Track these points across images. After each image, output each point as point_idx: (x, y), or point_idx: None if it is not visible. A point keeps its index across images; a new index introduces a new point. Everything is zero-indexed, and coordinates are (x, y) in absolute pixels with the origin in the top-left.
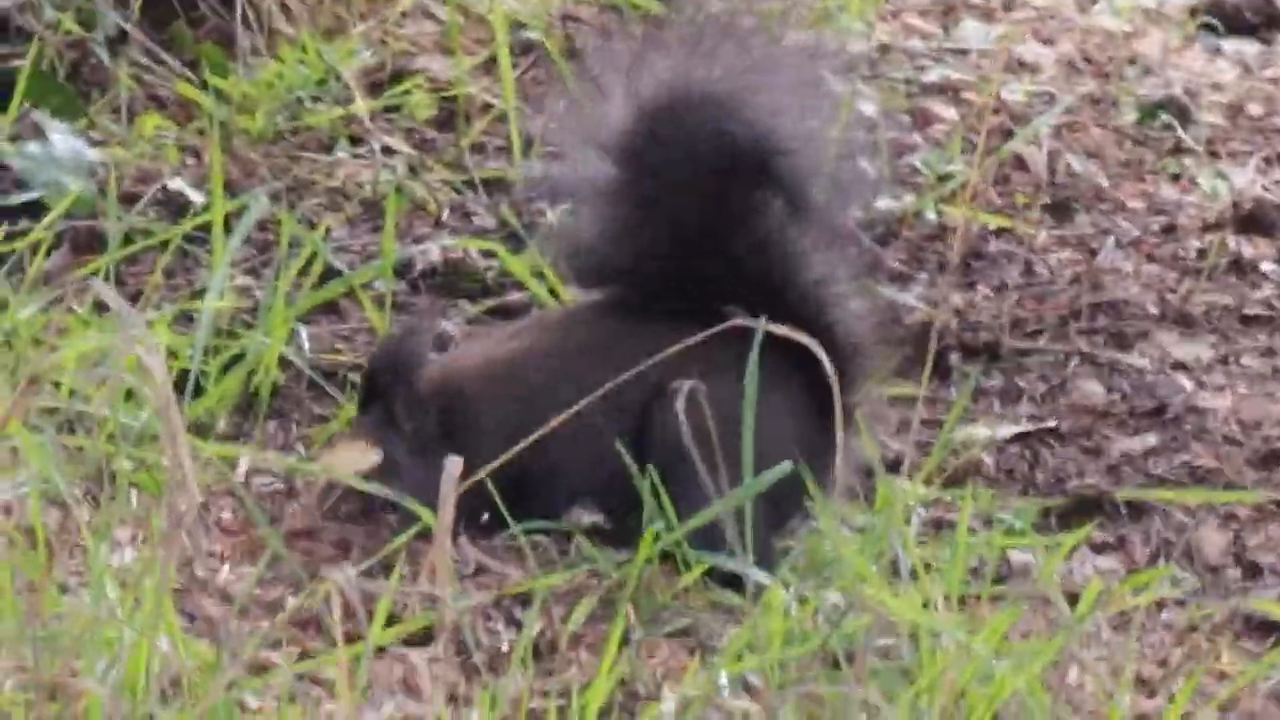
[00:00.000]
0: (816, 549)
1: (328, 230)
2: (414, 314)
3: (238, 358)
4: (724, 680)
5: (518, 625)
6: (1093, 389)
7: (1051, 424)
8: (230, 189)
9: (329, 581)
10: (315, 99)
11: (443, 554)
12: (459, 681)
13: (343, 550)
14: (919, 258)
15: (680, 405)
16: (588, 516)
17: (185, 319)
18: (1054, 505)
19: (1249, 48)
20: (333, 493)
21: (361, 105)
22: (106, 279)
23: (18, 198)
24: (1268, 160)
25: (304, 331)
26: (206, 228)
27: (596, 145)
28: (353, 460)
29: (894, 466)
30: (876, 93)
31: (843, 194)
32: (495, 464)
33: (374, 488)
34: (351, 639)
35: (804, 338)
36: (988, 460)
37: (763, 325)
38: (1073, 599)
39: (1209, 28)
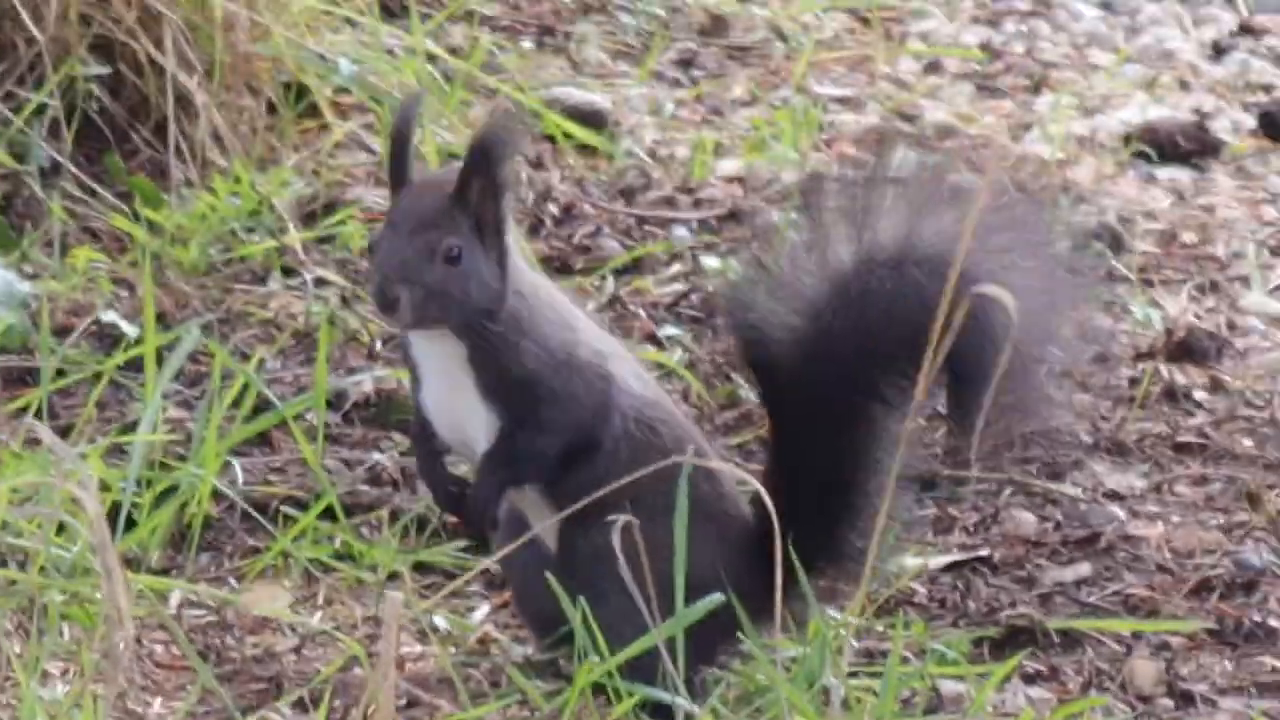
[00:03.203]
0: (749, 679)
1: (261, 362)
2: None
3: (170, 490)
4: None
5: None
6: (1025, 518)
7: (984, 553)
8: (163, 321)
9: (261, 717)
10: (249, 229)
11: (385, 688)
12: None
13: (274, 683)
14: None
15: (615, 537)
16: (519, 648)
17: (118, 451)
18: (986, 635)
19: (1182, 175)
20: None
21: (295, 236)
22: (39, 412)
23: None
24: (1200, 288)
25: (237, 464)
26: (139, 360)
27: (819, 275)
28: (270, 598)
29: (826, 597)
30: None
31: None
32: None
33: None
34: None
35: (751, 480)
36: (920, 589)
37: (690, 460)
38: None
39: (1142, 155)
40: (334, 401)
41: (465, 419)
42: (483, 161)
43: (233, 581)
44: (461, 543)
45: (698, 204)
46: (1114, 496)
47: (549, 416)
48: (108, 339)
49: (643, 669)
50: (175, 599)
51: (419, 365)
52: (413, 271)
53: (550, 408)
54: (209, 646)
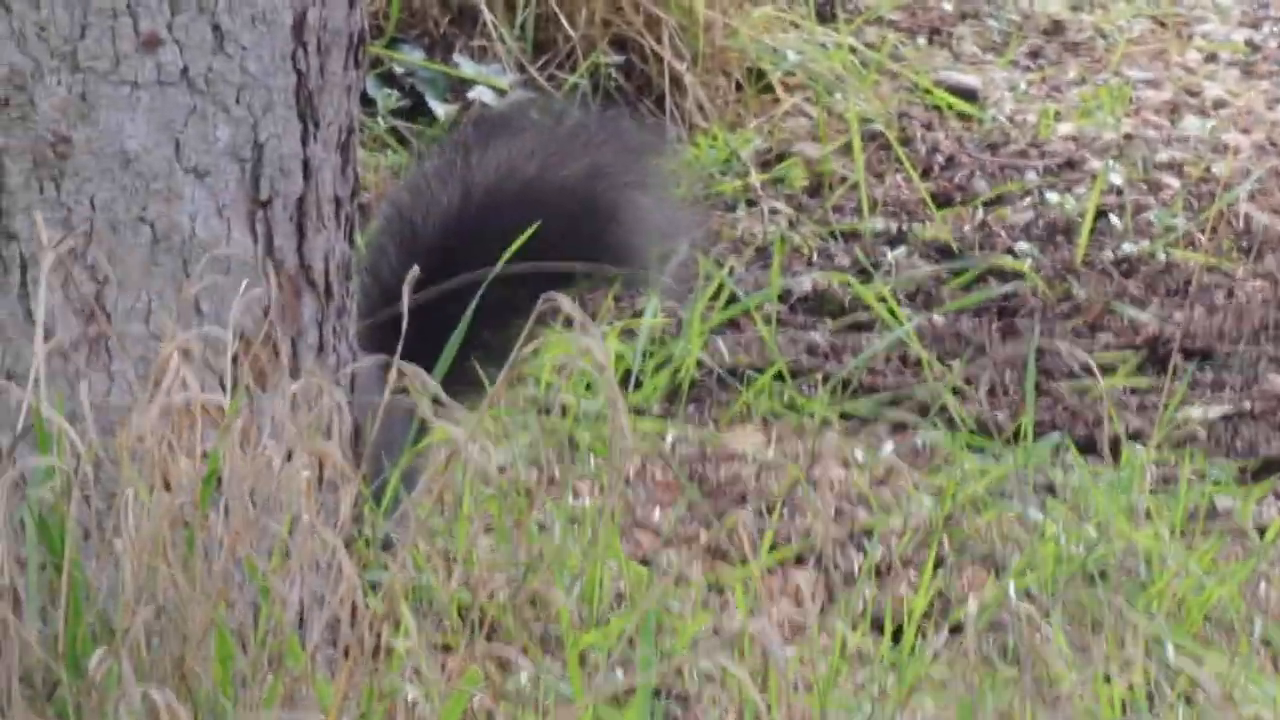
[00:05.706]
0: (1079, 496)
1: (731, 269)
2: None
3: (666, 360)
4: (1011, 591)
5: (864, 552)
6: (1276, 380)
7: (1247, 406)
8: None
9: (732, 519)
10: (722, 173)
11: (824, 505)
12: (822, 593)
13: (740, 498)
14: (1152, 286)
15: None
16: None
17: (629, 333)
18: (1249, 465)
19: None
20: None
21: (755, 177)
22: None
23: None
24: None
25: (715, 341)
26: None
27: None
28: (748, 439)
29: (1134, 437)
30: (1123, 168)
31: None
32: None
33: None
34: (745, 562)
35: None
36: (1201, 433)
37: None
38: (1261, 532)
39: None
40: (783, 296)
41: None
42: None
43: (711, 425)
44: (882, 397)
45: (1042, 155)
46: None
47: None
48: None
49: None
50: (669, 438)
51: None
52: None
53: None
54: (693, 472)
